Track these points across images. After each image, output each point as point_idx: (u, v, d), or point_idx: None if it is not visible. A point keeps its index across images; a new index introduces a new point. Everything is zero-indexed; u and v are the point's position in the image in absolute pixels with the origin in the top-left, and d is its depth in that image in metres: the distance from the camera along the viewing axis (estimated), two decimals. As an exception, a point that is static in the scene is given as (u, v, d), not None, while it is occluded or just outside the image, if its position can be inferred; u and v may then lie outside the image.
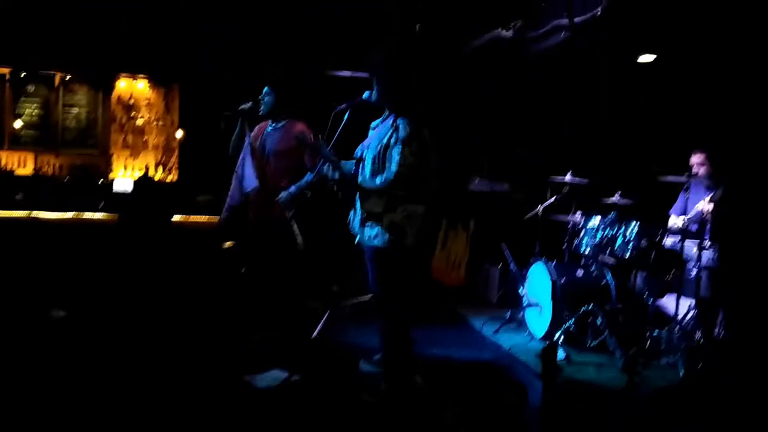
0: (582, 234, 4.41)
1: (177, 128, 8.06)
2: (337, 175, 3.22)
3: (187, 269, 5.78)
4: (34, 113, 7.95)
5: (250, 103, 3.93)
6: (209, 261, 5.81)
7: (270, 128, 4.01)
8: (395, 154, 3.09)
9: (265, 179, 3.88)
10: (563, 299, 4.26)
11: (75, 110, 8.04)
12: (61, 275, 5.32)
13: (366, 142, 3.36)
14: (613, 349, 4.02)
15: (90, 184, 7.70)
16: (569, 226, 4.70)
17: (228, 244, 6.01)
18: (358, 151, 3.38)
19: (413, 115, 3.19)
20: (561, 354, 4.01)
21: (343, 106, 3.31)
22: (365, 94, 3.34)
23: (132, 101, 8.11)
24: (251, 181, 3.82)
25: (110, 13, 7.15)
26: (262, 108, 3.96)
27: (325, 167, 3.25)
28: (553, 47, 4.69)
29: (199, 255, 6.05)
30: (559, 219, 4.75)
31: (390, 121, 3.23)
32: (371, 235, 3.20)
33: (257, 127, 4.08)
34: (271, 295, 4.08)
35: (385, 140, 3.16)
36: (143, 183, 6.63)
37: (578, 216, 4.60)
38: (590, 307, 4.20)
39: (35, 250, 5.91)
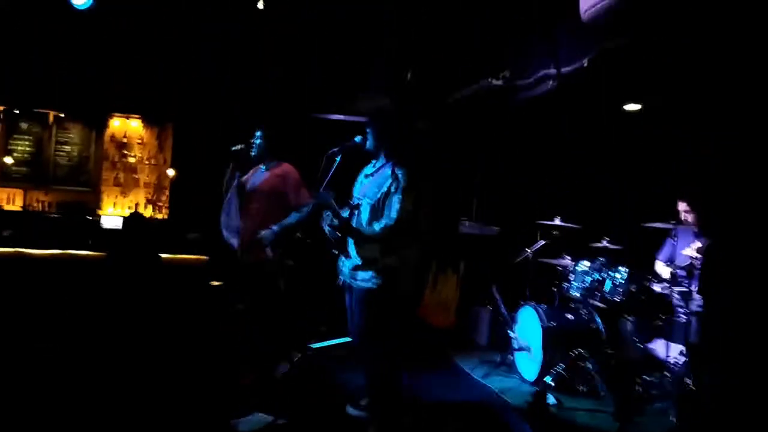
0: (571, 278, 4.39)
1: (169, 167, 8.05)
2: (337, 222, 3.22)
3: (176, 307, 5.68)
4: (26, 150, 7.92)
5: (242, 145, 3.97)
6: (198, 299, 5.73)
7: (260, 170, 4.05)
8: (395, 202, 3.12)
9: (250, 219, 3.91)
10: (553, 343, 4.21)
11: (67, 148, 8.01)
12: (48, 313, 5.20)
13: (362, 191, 3.37)
14: (604, 395, 3.95)
15: (79, 221, 7.62)
16: (559, 270, 4.69)
17: (216, 283, 5.94)
18: (354, 200, 3.38)
19: (410, 164, 3.23)
20: (551, 399, 3.94)
21: (335, 149, 3.33)
22: (357, 138, 3.38)
23: (125, 140, 8.11)
24: (236, 220, 3.96)
25: (105, 55, 7.21)
26: (253, 150, 4.00)
27: (325, 215, 3.25)
28: (540, 96, 4.76)
29: (188, 293, 5.97)
30: (548, 262, 4.74)
31: (387, 170, 3.26)
32: (365, 277, 3.18)
33: (252, 169, 4.12)
34: (257, 335, 4.04)
35: (384, 188, 3.19)
36: (133, 220, 6.56)
37: (567, 260, 4.59)
38: (580, 352, 4.15)
39: (22, 287, 5.79)
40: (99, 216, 7.80)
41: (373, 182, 3.31)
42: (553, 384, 4.10)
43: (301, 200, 3.88)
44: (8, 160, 7.76)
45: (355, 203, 3.35)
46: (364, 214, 3.25)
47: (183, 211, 7.75)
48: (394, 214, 3.08)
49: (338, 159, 3.33)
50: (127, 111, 7.93)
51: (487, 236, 5.29)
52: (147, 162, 8.07)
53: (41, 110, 7.88)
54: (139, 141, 8.05)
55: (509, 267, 4.98)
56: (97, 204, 7.97)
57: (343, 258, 3.35)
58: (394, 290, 3.19)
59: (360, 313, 3.27)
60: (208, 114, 7.52)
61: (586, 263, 4.31)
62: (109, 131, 7.99)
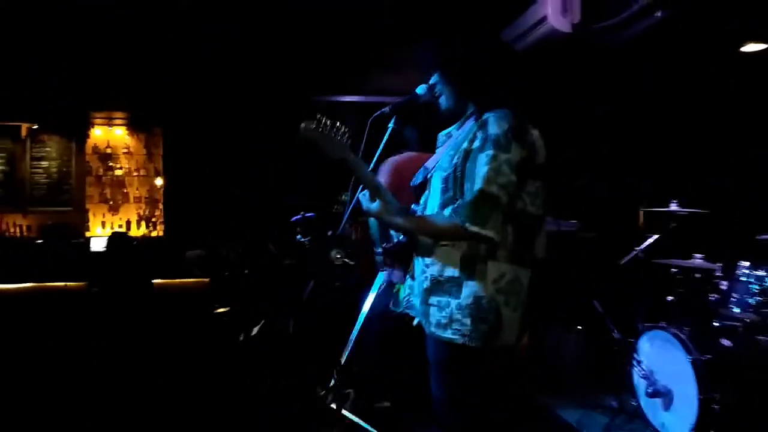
0: (723, 286, 2.81)
1: (160, 177, 6.51)
2: (374, 207, 1.69)
3: (174, 340, 4.30)
4: (-3, 170, 6.38)
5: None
6: (199, 329, 4.38)
7: None
8: (480, 164, 1.56)
9: None
10: (710, 383, 2.63)
11: (45, 164, 6.47)
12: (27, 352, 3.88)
13: (431, 162, 1.82)
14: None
15: (64, 246, 6.12)
16: (674, 273, 3.11)
17: (222, 309, 4.63)
18: (419, 176, 1.84)
19: (512, 108, 1.66)
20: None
21: (385, 110, 1.82)
22: (419, 89, 1.82)
23: (109, 150, 6.56)
24: None
25: (81, 52, 5.58)
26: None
27: (361, 195, 1.73)
28: (639, 35, 3.20)
29: (187, 322, 4.61)
30: (664, 263, 3.14)
31: (471, 121, 1.71)
32: (440, 319, 1.65)
33: None
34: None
35: (465, 145, 1.62)
36: (115, 241, 5.06)
37: (698, 259, 3.02)
38: (754, 393, 2.58)
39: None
40: (86, 238, 6.29)
41: (450, 145, 1.75)
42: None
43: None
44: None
45: (419, 181, 1.82)
46: (434, 193, 1.71)
47: (180, 226, 6.23)
48: (478, 183, 1.54)
49: (391, 124, 1.82)
50: (109, 108, 6.38)
51: (566, 233, 3.71)
52: (136, 173, 6.51)
53: (12, 123, 6.36)
54: (125, 150, 6.49)
55: (605, 272, 3.42)
56: (83, 225, 6.43)
57: (409, 278, 1.82)
58: (494, 346, 1.60)
59: (438, 377, 1.71)
60: (202, 114, 6.01)
61: (746, 264, 2.73)
62: (90, 142, 6.43)
